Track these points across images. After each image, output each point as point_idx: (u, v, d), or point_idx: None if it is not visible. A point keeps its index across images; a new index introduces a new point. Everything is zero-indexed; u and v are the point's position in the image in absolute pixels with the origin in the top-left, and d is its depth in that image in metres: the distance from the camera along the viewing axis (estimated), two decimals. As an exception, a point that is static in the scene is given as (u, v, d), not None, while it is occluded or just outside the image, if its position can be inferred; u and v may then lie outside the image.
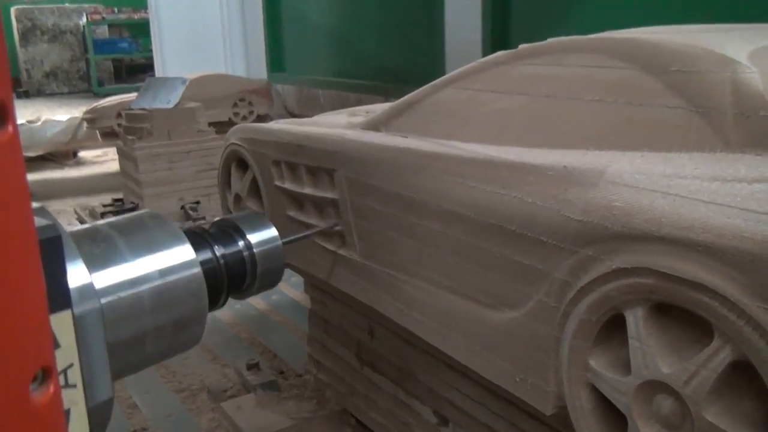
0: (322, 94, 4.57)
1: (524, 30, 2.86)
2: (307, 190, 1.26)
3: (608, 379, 0.71)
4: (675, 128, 0.76)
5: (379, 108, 1.31)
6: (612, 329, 0.72)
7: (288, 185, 1.31)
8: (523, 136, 0.90)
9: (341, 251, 1.20)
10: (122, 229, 0.67)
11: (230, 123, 4.39)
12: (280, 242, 0.93)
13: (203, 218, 3.10)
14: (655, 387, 0.66)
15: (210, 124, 3.92)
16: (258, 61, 5.45)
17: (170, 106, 3.38)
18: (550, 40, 0.96)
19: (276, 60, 5.27)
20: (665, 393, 0.65)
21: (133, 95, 4.23)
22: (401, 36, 3.78)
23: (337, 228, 1.17)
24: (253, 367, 1.64)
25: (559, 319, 0.75)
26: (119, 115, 4.45)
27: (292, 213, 1.32)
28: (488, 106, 0.99)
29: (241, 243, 0.87)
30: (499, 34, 2.93)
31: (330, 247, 1.22)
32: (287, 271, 1.49)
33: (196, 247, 0.74)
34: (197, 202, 3.20)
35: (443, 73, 1.15)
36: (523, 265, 0.80)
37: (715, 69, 0.74)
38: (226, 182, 1.54)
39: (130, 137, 3.21)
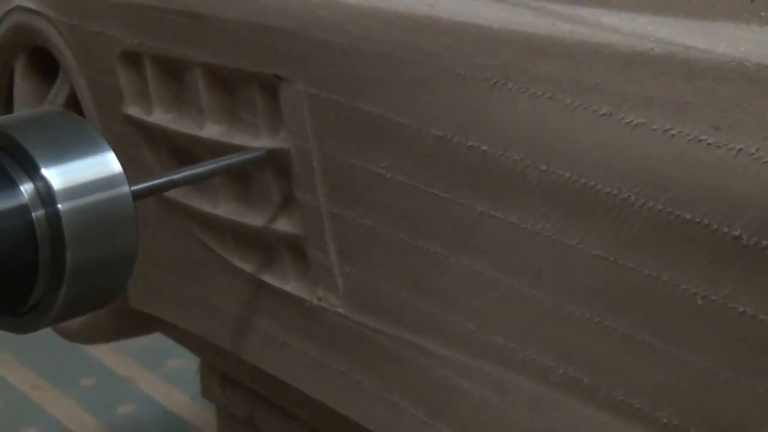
0: None
1: None
2: (209, 132, 1.28)
3: None
4: None
5: None
6: None
7: (159, 117, 1.33)
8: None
9: (296, 290, 1.22)
10: None
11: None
12: (127, 188, 1.01)
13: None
14: None
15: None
16: None
17: None
18: None
19: None
20: None
21: None
22: None
23: (283, 148, 1.19)
24: None
25: None
26: None
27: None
28: None
29: (26, 187, 0.92)
30: None
31: (271, 280, 1.25)
32: (165, 350, 1.46)
33: None
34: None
35: None
36: (759, 324, 0.79)
37: None
38: (2, 103, 1.61)
39: None
